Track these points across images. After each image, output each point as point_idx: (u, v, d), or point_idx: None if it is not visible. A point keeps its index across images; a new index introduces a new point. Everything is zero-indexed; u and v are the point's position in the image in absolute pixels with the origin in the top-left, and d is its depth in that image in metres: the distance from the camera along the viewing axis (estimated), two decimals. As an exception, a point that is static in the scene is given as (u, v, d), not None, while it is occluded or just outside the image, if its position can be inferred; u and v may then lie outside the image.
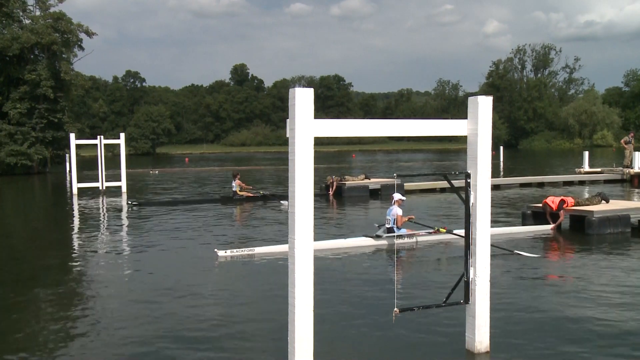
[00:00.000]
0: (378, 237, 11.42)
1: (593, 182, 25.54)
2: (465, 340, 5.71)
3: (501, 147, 48.27)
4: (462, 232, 6.59)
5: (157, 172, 25.67)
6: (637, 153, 26.07)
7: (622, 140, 28.89)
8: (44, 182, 34.38)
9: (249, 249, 10.61)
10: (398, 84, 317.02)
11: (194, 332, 6.42)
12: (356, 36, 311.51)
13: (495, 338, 5.77)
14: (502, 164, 41.89)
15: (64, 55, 44.35)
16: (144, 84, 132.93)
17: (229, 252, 10.37)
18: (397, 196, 11.85)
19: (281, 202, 18.42)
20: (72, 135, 26.34)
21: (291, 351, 4.95)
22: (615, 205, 13.28)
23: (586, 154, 30.42)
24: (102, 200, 21.42)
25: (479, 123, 5.42)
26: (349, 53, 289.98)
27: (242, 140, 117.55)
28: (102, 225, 15.19)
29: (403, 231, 11.61)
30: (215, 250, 10.46)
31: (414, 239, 11.53)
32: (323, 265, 9.42)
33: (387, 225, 11.68)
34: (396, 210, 11.59)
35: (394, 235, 11.31)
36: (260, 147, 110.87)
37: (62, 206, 21.54)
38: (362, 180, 22.22)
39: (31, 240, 13.57)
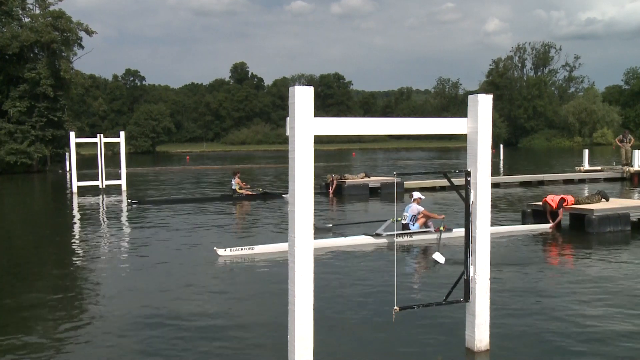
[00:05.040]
0: (378, 235, 11.41)
1: (593, 181, 25.52)
2: (465, 338, 5.71)
3: (501, 146, 48.28)
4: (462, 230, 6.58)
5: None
6: (637, 151, 26.08)
7: (616, 139, 28.85)
8: (43, 181, 34.37)
9: (248, 247, 10.59)
10: (398, 82, 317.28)
11: (194, 330, 6.41)
12: (356, 34, 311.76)
13: (494, 336, 5.77)
14: (502, 162, 41.89)
15: (63, 54, 44.35)
16: (143, 82, 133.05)
17: (228, 251, 10.35)
18: (416, 194, 11.97)
19: (282, 195, 18.83)
20: (72, 134, 26.35)
21: (291, 350, 4.95)
22: (615, 203, 13.28)
23: (586, 152, 30.43)
24: (102, 199, 21.43)
25: (478, 121, 5.41)
26: (349, 51, 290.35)
27: (242, 138, 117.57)
28: (102, 224, 15.19)
29: (416, 227, 11.62)
30: (215, 248, 10.44)
31: (414, 237, 11.53)
32: (323, 264, 9.42)
33: (403, 222, 11.74)
34: (417, 207, 11.65)
35: (394, 234, 11.32)
36: (260, 145, 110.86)
37: (62, 205, 21.54)
38: (362, 178, 22.23)
39: (31, 239, 13.56)
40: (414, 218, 11.67)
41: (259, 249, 10.55)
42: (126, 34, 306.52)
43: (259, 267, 9.59)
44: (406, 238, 11.50)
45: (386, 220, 11.79)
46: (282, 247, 10.09)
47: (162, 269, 9.54)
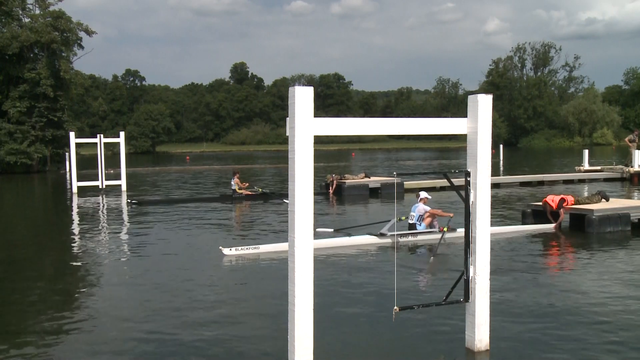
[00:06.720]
0: (382, 235, 11.37)
1: (593, 181, 25.52)
2: (465, 338, 5.71)
3: (501, 146, 48.27)
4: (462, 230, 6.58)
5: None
6: (637, 152, 26.02)
7: (626, 139, 28.30)
8: (43, 181, 34.37)
9: (254, 246, 10.56)
10: (398, 82, 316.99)
11: (194, 329, 6.40)
12: (356, 34, 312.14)
13: (495, 336, 5.77)
14: (502, 162, 41.89)
15: (63, 54, 44.31)
16: (143, 82, 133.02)
17: (234, 250, 10.33)
18: (423, 194, 12.02)
19: (284, 200, 18.35)
20: (72, 134, 26.33)
21: (291, 349, 4.95)
22: (615, 203, 13.28)
23: (586, 152, 30.40)
24: (102, 199, 21.43)
25: (478, 121, 5.41)
26: (349, 51, 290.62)
27: (242, 138, 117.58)
28: (102, 224, 15.18)
29: (423, 226, 11.63)
30: (221, 247, 10.41)
31: (418, 237, 11.52)
32: (326, 263, 9.42)
33: (410, 221, 11.79)
34: (423, 207, 11.67)
35: (398, 234, 11.31)
36: (260, 145, 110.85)
37: (62, 205, 21.54)
38: (362, 178, 22.22)
39: (31, 238, 13.56)
40: (421, 218, 11.69)
41: (264, 248, 10.52)
42: (126, 34, 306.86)
43: (264, 267, 9.57)
44: (410, 238, 11.49)
45: (389, 220, 11.77)
46: (287, 246, 10.02)
47: (167, 269, 9.52)
